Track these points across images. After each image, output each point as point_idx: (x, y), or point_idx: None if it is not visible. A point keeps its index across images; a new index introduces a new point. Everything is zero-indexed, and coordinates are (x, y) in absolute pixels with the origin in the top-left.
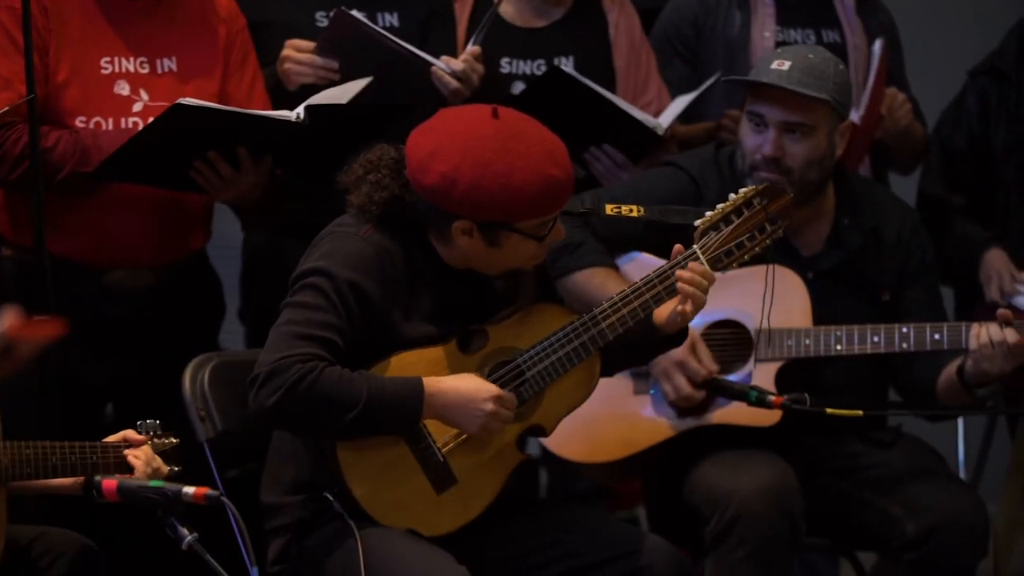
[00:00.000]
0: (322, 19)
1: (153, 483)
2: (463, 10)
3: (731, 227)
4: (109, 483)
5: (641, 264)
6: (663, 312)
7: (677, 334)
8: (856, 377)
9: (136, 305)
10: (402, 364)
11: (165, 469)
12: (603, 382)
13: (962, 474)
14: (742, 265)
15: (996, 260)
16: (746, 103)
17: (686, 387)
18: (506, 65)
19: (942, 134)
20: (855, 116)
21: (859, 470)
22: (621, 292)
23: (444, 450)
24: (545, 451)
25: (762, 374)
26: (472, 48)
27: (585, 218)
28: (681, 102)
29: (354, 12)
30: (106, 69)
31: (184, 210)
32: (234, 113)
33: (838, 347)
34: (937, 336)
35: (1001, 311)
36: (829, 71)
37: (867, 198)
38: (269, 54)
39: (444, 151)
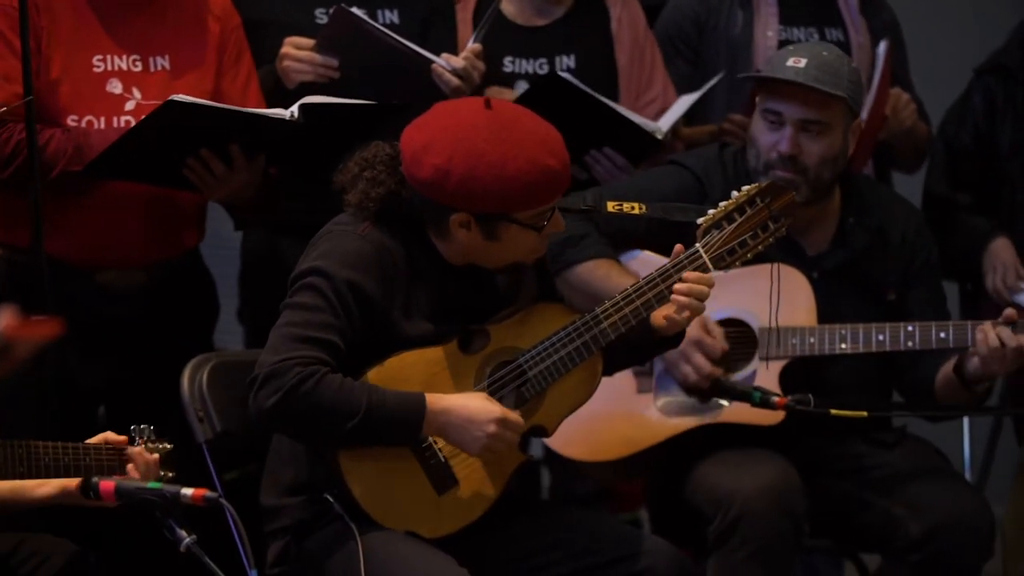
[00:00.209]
0: (322, 16)
1: (151, 485)
2: (466, 10)
3: (734, 225)
4: (107, 484)
5: (644, 261)
6: (660, 315)
7: (675, 336)
8: (861, 377)
9: (128, 305)
10: (402, 364)
11: (153, 458)
12: (606, 381)
13: (968, 476)
14: (745, 264)
15: (1003, 250)
16: (760, 101)
17: (706, 365)
18: (509, 64)
19: (947, 133)
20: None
21: (863, 471)
22: (623, 291)
23: (445, 451)
24: (547, 452)
25: (766, 373)
26: (473, 46)
27: (587, 215)
28: (684, 102)
29: (354, 9)
30: (98, 67)
31: (177, 208)
32: (227, 111)
33: (843, 346)
34: (943, 335)
35: (1008, 311)
36: (844, 69)
37: (872, 198)
38: (268, 52)
39: (437, 144)
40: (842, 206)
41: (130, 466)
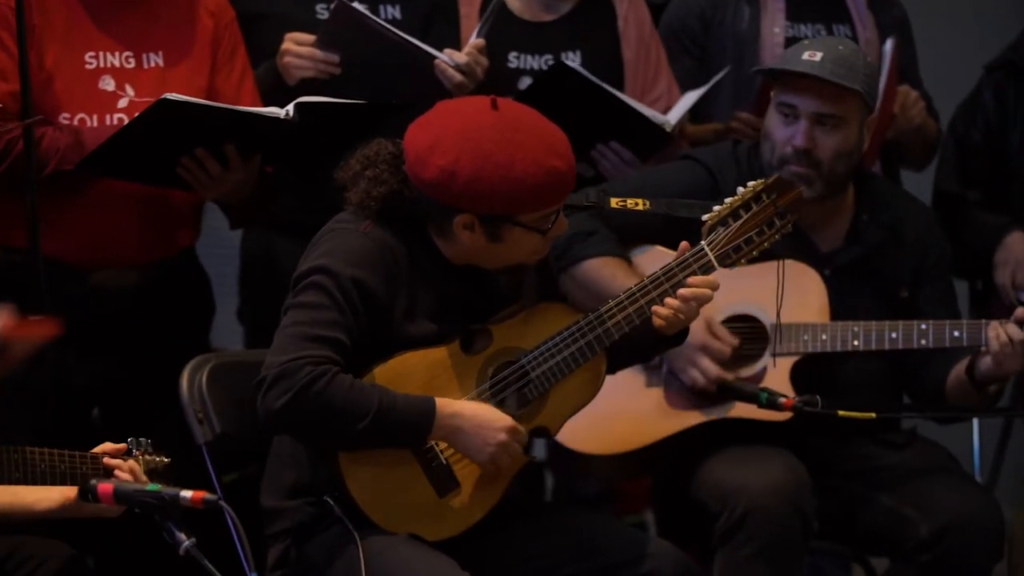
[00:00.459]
0: (322, 11)
1: (150, 487)
2: (471, 5)
3: (740, 222)
4: (105, 487)
5: (656, 255)
6: (657, 318)
7: (676, 335)
8: (872, 376)
9: (122, 305)
10: (404, 365)
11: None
12: (614, 376)
13: (977, 478)
14: (751, 261)
15: (1018, 244)
16: (775, 94)
17: (714, 369)
18: (514, 60)
19: (957, 130)
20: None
21: (871, 472)
22: (627, 290)
23: (447, 453)
24: (550, 454)
25: (777, 369)
26: (476, 41)
27: (595, 211)
28: (690, 98)
29: (355, 4)
30: (91, 64)
31: (172, 207)
32: (221, 109)
33: (855, 343)
34: (956, 333)
35: (1020, 311)
36: (859, 63)
37: (886, 196)
38: (268, 48)
39: (443, 144)
40: (855, 203)
41: (118, 472)
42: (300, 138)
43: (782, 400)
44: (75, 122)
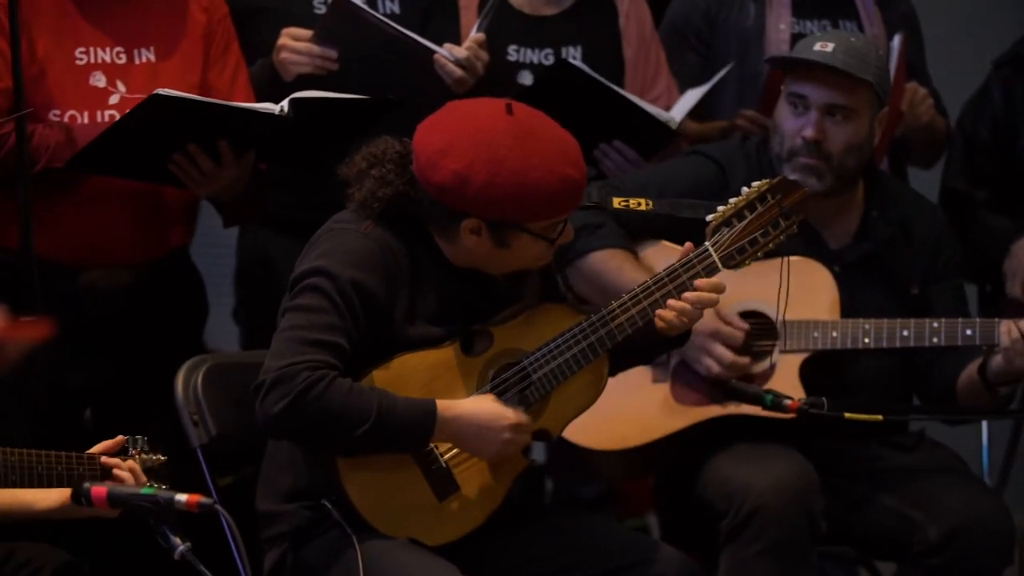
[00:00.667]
0: (320, 6)
1: (145, 490)
2: (471, 1)
3: (744, 223)
4: (99, 491)
5: (664, 250)
6: (660, 320)
7: (677, 337)
8: (883, 373)
9: (114, 305)
10: (404, 367)
11: (144, 481)
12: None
13: (987, 480)
14: (754, 261)
15: None
16: (785, 86)
17: (728, 354)
18: (513, 53)
19: (965, 127)
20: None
21: (879, 474)
22: (631, 291)
23: (446, 456)
24: (549, 458)
25: (786, 365)
26: (476, 35)
27: (592, 213)
28: (693, 95)
29: None
30: (81, 60)
31: (164, 205)
32: (215, 105)
33: (866, 340)
34: (969, 332)
35: None
36: (871, 56)
37: (896, 193)
38: (264, 43)
39: (456, 147)
40: (865, 199)
41: (117, 471)
42: (295, 134)
43: (787, 402)
44: (65, 119)
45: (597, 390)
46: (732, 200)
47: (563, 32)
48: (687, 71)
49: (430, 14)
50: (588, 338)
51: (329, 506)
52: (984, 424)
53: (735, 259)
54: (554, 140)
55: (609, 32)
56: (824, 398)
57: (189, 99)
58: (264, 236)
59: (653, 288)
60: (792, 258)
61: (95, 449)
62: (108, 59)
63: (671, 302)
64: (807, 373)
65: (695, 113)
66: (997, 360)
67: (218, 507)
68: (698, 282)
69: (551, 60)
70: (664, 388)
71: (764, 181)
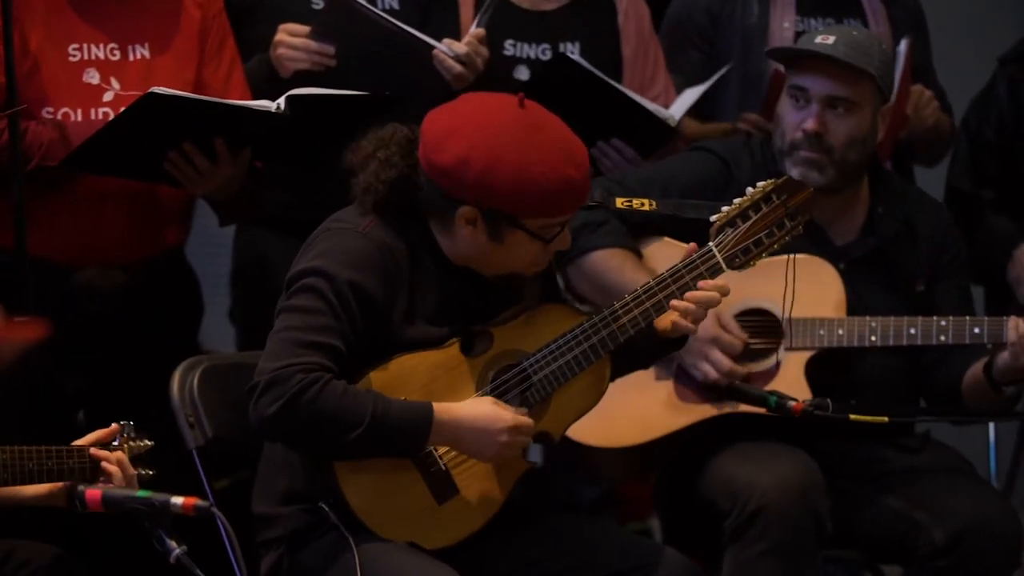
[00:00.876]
0: (317, 1)
1: (140, 493)
2: None
3: (749, 223)
4: (93, 493)
5: (666, 247)
6: (664, 320)
7: (679, 339)
8: (889, 372)
9: (108, 305)
10: (403, 368)
11: (132, 472)
12: None
13: (994, 483)
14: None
15: None
16: (787, 80)
17: (726, 361)
18: (510, 48)
19: (970, 126)
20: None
21: (884, 475)
22: (633, 292)
23: (446, 458)
24: (547, 461)
25: (792, 364)
26: (476, 31)
27: (594, 210)
28: (692, 94)
29: None
30: (74, 56)
31: (159, 204)
32: (210, 103)
33: (872, 338)
34: (977, 330)
35: None
36: (874, 49)
37: (901, 191)
38: (261, 39)
39: (462, 132)
40: (870, 195)
41: (105, 464)
42: (292, 132)
43: (792, 404)
44: (59, 116)
45: (599, 392)
46: (737, 200)
47: (561, 27)
48: (689, 69)
49: (429, 9)
50: (590, 339)
51: (326, 509)
52: (991, 425)
53: (739, 260)
54: (561, 139)
55: (608, 29)
56: (829, 399)
57: (185, 97)
58: (260, 236)
59: (656, 289)
60: (798, 256)
61: (87, 439)
62: (102, 55)
63: (674, 303)
64: (813, 371)
65: (697, 113)
66: (1003, 357)
67: (214, 510)
68: (701, 283)
69: (548, 56)
70: (667, 386)
71: (769, 181)
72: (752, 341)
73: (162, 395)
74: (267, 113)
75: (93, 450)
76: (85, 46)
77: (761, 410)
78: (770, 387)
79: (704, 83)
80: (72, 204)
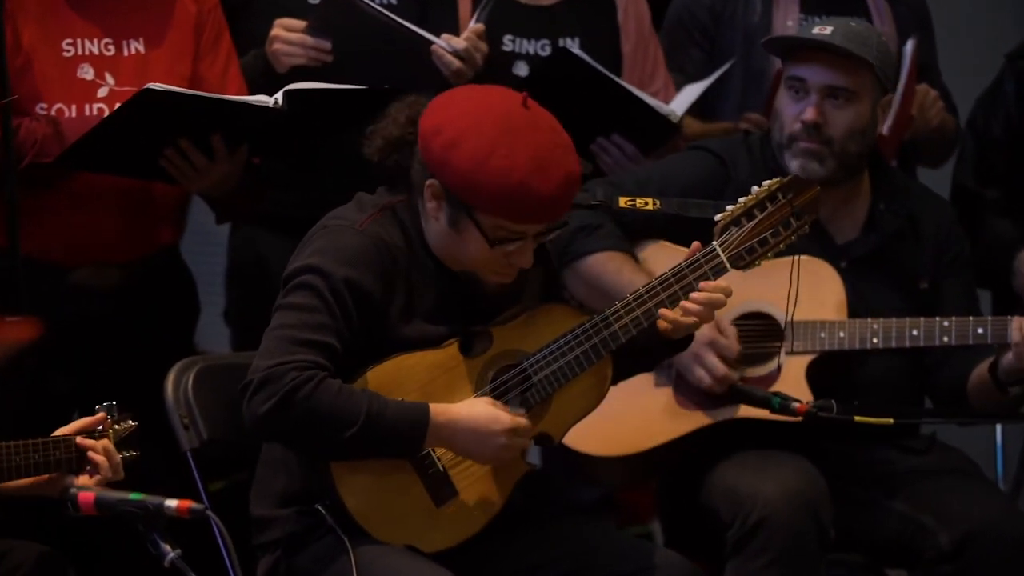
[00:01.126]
0: None
1: (133, 496)
2: None
3: (754, 222)
4: (86, 496)
5: (663, 250)
6: (667, 321)
7: (681, 340)
8: (892, 373)
9: (103, 305)
10: (400, 368)
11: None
12: None
13: (1000, 486)
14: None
15: None
16: (785, 72)
17: (720, 367)
18: (508, 43)
19: (977, 124)
20: (884, 128)
21: (888, 478)
22: (635, 291)
23: (444, 460)
24: (545, 462)
25: (793, 367)
26: (475, 26)
27: (596, 210)
28: (692, 91)
29: None
30: (68, 52)
31: (154, 202)
32: (207, 99)
33: (874, 340)
34: (981, 330)
35: None
36: (872, 40)
37: (903, 187)
38: (257, 34)
39: (454, 105)
40: (872, 191)
41: (92, 454)
42: (290, 127)
43: (795, 405)
44: (53, 112)
45: (600, 393)
46: (741, 199)
47: (560, 23)
48: (691, 68)
49: (427, 4)
50: (591, 339)
51: (324, 511)
52: (998, 427)
53: (744, 259)
54: (542, 148)
55: (607, 26)
56: (833, 401)
57: (181, 93)
58: (256, 234)
59: (658, 289)
60: (799, 257)
61: (72, 427)
62: (96, 50)
63: (682, 304)
64: (814, 375)
65: (698, 112)
66: (1008, 358)
67: (209, 513)
68: (704, 284)
69: (547, 51)
70: (667, 392)
71: (775, 180)
72: (752, 345)
73: (157, 396)
74: (264, 108)
75: (79, 439)
76: (79, 41)
77: (764, 412)
78: (771, 391)
79: (705, 80)
80: (66, 202)
